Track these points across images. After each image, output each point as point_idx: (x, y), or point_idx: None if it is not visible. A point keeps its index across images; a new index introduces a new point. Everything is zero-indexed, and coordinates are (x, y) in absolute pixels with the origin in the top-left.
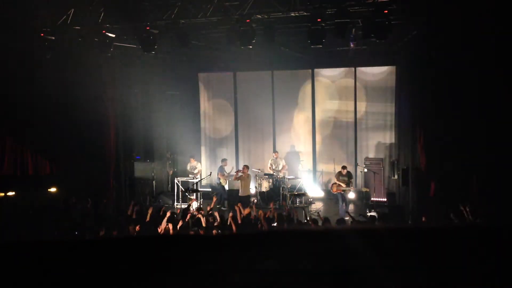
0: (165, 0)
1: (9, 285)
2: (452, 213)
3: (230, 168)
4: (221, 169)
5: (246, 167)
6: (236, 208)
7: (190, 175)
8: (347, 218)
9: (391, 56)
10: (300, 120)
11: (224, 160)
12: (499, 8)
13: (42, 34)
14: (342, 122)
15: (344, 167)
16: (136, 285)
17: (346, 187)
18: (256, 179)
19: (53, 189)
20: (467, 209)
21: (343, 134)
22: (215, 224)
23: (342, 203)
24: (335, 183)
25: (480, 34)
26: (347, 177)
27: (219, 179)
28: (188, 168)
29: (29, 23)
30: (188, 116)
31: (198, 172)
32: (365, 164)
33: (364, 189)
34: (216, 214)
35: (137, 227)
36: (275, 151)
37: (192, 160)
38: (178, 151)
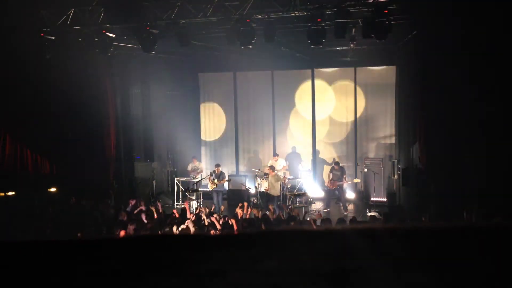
0: (165, 0)
1: (9, 285)
2: (449, 215)
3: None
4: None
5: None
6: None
7: (191, 175)
8: (346, 213)
9: (391, 56)
10: (300, 120)
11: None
12: (499, 8)
13: (42, 34)
14: (342, 122)
15: (336, 164)
16: (136, 285)
17: (339, 181)
18: (256, 179)
19: (53, 189)
20: (467, 210)
21: (343, 134)
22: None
23: (339, 202)
24: (330, 180)
25: (480, 34)
26: (339, 172)
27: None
28: (190, 168)
29: (29, 23)
30: (188, 116)
31: (201, 171)
32: (365, 164)
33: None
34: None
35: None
36: (275, 154)
37: (194, 160)
38: (178, 151)
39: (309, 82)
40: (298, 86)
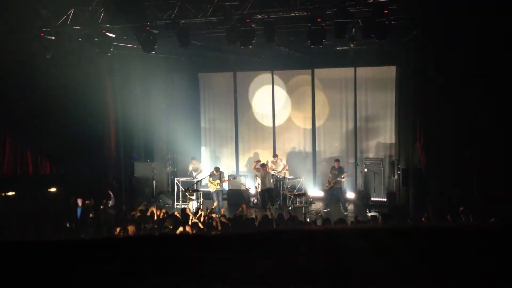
0: (165, 0)
1: (9, 285)
2: (449, 215)
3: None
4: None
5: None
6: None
7: (192, 176)
8: (346, 213)
9: (391, 56)
10: (300, 120)
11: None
12: (499, 8)
13: (42, 34)
14: (342, 122)
15: (336, 160)
16: (136, 286)
17: (334, 179)
18: (256, 179)
19: (53, 189)
20: (466, 211)
21: (343, 133)
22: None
23: (339, 202)
24: (329, 180)
25: (480, 33)
26: (337, 171)
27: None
28: (191, 169)
29: (29, 23)
30: (188, 116)
31: (201, 172)
32: (365, 164)
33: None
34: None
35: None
36: (275, 155)
37: (194, 161)
38: (178, 151)
39: (309, 82)
40: (298, 86)
